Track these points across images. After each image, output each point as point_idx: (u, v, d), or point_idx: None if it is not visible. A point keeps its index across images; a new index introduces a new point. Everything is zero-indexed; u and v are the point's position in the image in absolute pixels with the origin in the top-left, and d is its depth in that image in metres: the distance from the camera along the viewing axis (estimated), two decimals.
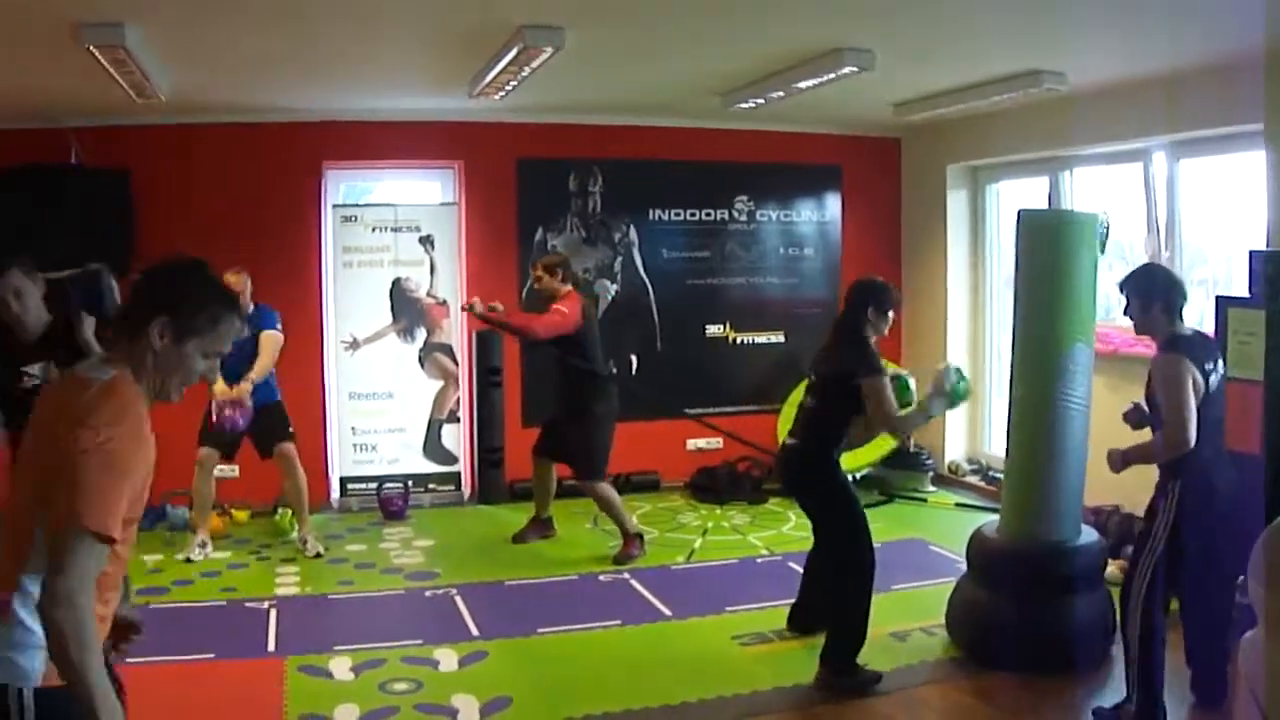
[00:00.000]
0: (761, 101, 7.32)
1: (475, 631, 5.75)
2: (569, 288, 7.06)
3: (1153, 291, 4.40)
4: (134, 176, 7.80)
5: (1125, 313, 4.53)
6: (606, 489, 7.05)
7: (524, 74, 6.30)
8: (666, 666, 5.23)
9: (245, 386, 6.83)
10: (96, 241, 7.64)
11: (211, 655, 5.34)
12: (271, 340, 7.04)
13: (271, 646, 5.47)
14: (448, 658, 5.33)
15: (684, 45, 6.14)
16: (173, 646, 5.33)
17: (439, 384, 8.80)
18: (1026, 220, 5.29)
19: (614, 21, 5.54)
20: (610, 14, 5.38)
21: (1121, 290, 4.50)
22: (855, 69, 6.09)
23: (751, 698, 4.84)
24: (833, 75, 6.29)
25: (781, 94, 7.01)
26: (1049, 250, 5.12)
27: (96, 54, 5.26)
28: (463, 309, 7.45)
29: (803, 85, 6.65)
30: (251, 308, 6.98)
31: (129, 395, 2.36)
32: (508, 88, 6.73)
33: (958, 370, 5.01)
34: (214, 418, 6.83)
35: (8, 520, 2.36)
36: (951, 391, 4.91)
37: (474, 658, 5.34)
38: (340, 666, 5.17)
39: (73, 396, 2.33)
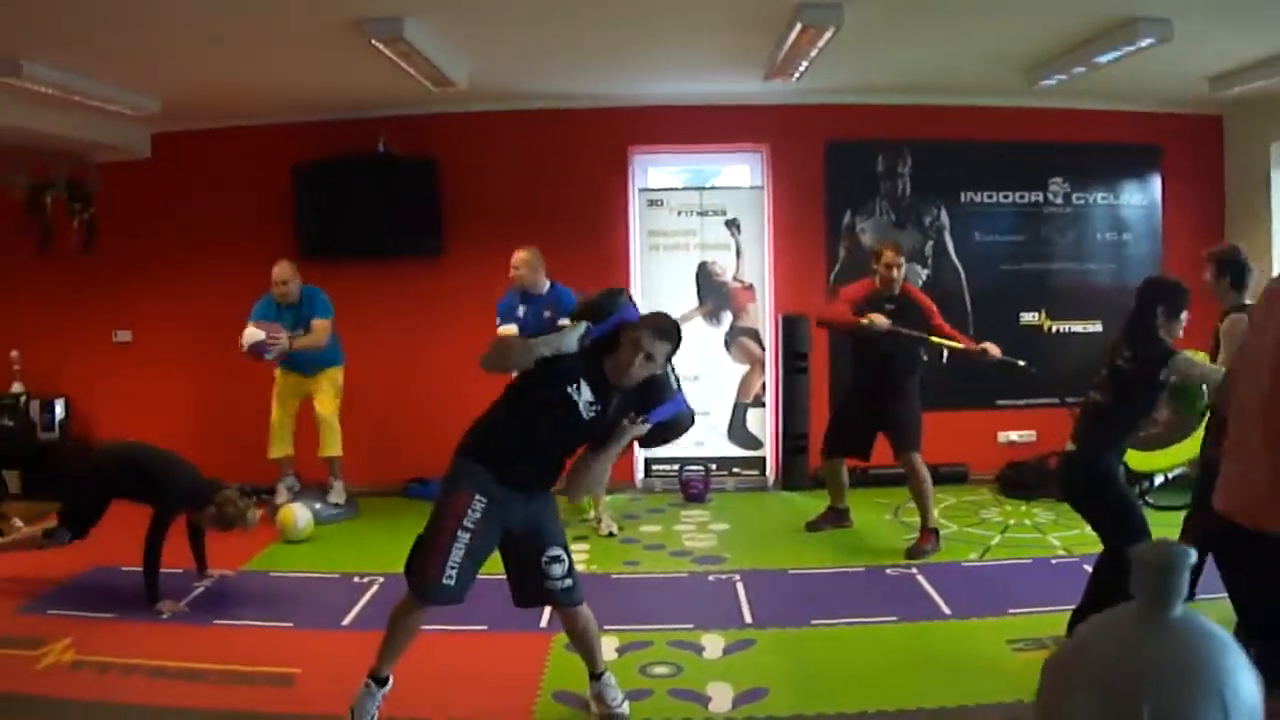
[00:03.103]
0: (1064, 78, 6.95)
1: (748, 619, 5.70)
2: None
3: None
4: (439, 164, 8.21)
5: None
6: (925, 469, 6.85)
7: (812, 53, 6.26)
8: (931, 668, 4.99)
9: None
10: (405, 229, 8.18)
11: (485, 627, 5.53)
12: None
13: (543, 623, 5.58)
14: (714, 644, 5.30)
15: (968, 20, 5.93)
16: (450, 616, 5.50)
17: (744, 368, 8.81)
18: None
19: None
20: None
21: None
22: (1153, 40, 5.71)
23: (1013, 707, 4.51)
24: (1131, 48, 5.93)
25: (1083, 69, 6.63)
26: None
27: (381, 48, 5.56)
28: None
29: (1102, 60, 6.27)
30: (547, 285, 7.22)
31: None
32: (800, 68, 6.70)
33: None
34: None
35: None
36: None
37: (740, 645, 5.30)
38: (606, 646, 5.18)
39: None
